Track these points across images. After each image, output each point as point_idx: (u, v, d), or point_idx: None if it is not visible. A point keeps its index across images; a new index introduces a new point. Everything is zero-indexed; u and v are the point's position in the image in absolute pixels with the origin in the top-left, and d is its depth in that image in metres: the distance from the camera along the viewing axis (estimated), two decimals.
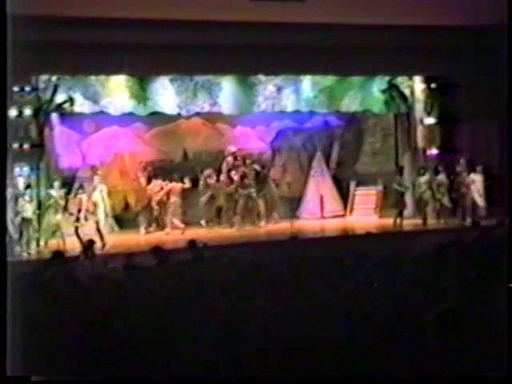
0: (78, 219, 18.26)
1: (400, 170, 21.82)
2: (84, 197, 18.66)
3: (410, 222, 20.81)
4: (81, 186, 19.29)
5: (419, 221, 20.69)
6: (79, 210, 18.32)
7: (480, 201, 20.26)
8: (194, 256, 11.97)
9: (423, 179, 20.94)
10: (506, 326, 5.28)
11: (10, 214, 17.30)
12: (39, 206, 18.24)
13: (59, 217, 18.32)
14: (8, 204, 17.23)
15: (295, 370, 5.28)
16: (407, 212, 21.57)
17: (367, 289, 6.65)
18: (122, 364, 5.37)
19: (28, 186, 18.18)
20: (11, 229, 17.37)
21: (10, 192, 17.46)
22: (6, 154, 7.63)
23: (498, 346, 5.17)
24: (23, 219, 17.71)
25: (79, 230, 18.12)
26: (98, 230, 18.50)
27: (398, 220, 20.60)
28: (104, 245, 17.78)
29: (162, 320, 5.84)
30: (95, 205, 18.75)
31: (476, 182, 20.32)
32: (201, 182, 21.28)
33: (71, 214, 18.39)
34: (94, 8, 17.28)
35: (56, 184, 18.88)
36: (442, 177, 20.77)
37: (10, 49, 8.33)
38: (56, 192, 18.59)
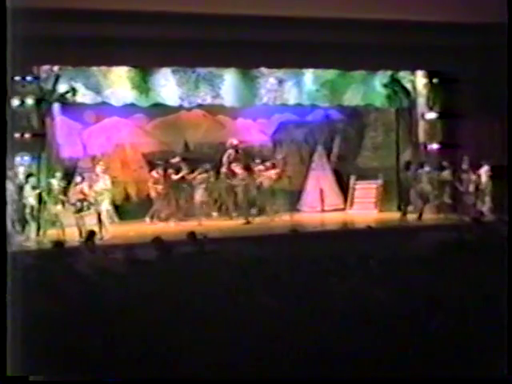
0: (78, 210, 18.25)
1: (407, 165, 21.74)
2: (85, 187, 18.65)
3: (411, 217, 20.80)
4: (82, 176, 19.29)
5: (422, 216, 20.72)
6: (80, 200, 18.32)
7: (482, 197, 20.22)
8: (193, 248, 12.00)
9: (423, 174, 20.90)
10: (506, 326, 5.28)
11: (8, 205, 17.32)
12: (40, 195, 18.20)
13: (60, 207, 18.32)
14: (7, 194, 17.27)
15: (296, 367, 5.28)
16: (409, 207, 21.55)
17: (367, 284, 6.65)
18: (123, 363, 5.37)
19: (29, 175, 18.15)
20: (9, 220, 17.40)
21: (11, 182, 17.50)
22: (5, 147, 7.61)
23: (498, 346, 5.17)
24: (26, 208, 17.70)
25: (80, 220, 18.14)
26: (100, 221, 18.53)
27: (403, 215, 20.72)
28: (102, 237, 17.70)
29: (163, 316, 5.84)
30: (101, 194, 18.76)
31: (477, 177, 20.28)
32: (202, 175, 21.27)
33: (72, 204, 18.39)
34: (98, 1, 17.32)
35: (57, 174, 18.90)
36: (446, 173, 20.73)
37: (11, 39, 8.33)
38: (57, 182, 18.59)
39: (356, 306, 5.94)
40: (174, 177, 20.84)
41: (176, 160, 21.48)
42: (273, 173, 21.63)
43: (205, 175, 21.14)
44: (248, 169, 21.42)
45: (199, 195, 20.99)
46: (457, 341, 5.21)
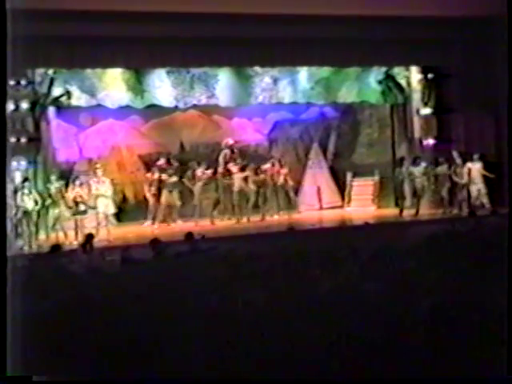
0: (76, 213, 18.27)
1: (400, 161, 21.77)
2: (82, 190, 18.67)
3: (407, 213, 20.81)
4: (78, 179, 19.31)
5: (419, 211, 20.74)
6: (77, 204, 18.33)
7: (477, 190, 20.24)
8: (191, 248, 12.03)
9: (419, 169, 20.92)
10: (506, 326, 5.27)
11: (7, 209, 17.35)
12: (37, 199, 18.19)
13: (57, 210, 18.32)
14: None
15: (293, 367, 5.28)
16: (405, 202, 21.58)
17: (364, 280, 6.65)
18: (123, 362, 5.37)
19: (25, 180, 18.16)
20: (9, 223, 17.43)
21: (8, 187, 17.51)
22: (5, 151, 7.63)
23: (498, 346, 5.16)
24: (24, 213, 17.71)
25: (78, 224, 18.16)
26: (98, 224, 18.61)
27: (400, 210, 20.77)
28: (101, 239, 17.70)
29: (164, 315, 5.84)
30: (99, 197, 18.81)
31: (473, 172, 20.30)
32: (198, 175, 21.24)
33: (69, 208, 18.40)
34: (90, 1, 17.32)
35: (53, 178, 18.91)
36: (442, 168, 20.75)
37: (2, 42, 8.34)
38: (54, 185, 18.59)
39: (352, 300, 5.94)
40: (166, 178, 20.81)
41: (161, 162, 21.45)
42: (284, 172, 21.76)
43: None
44: (243, 169, 21.40)
45: (196, 196, 20.97)
46: (456, 340, 5.20)
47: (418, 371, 5.10)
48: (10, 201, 17.48)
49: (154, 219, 20.68)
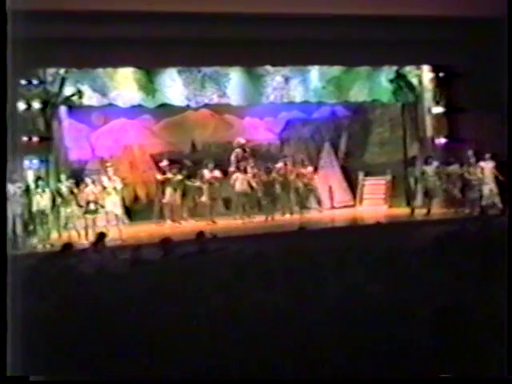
0: (87, 211, 18.30)
1: (412, 160, 21.68)
2: (94, 189, 18.71)
3: (419, 212, 20.74)
4: (90, 178, 19.36)
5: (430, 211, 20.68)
6: (88, 202, 18.37)
7: (489, 190, 20.16)
8: (202, 247, 12.02)
9: (431, 168, 20.83)
10: (506, 326, 5.26)
11: (18, 208, 17.42)
12: (49, 198, 18.23)
13: (69, 209, 18.35)
14: (17, 198, 17.37)
15: (301, 367, 5.27)
16: (416, 202, 21.51)
17: (375, 280, 6.63)
18: (131, 362, 5.38)
19: (38, 178, 18.20)
20: (19, 223, 17.51)
21: (19, 185, 17.58)
22: (5, 152, 7.63)
23: (498, 346, 5.15)
24: (36, 211, 17.75)
25: (89, 223, 18.21)
26: (108, 222, 18.64)
27: (411, 209, 20.69)
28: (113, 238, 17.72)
29: (166, 316, 5.84)
30: (114, 196, 18.87)
31: (485, 171, 20.22)
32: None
33: (81, 207, 18.43)
34: (103, 2, 17.37)
35: (65, 176, 18.94)
36: (454, 167, 20.67)
37: (13, 42, 8.37)
38: (65, 184, 18.63)
39: (363, 301, 5.93)
40: (171, 177, 20.88)
41: (164, 164, 21.51)
42: (309, 171, 21.90)
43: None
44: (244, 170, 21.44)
45: (205, 195, 21.01)
46: (456, 340, 5.19)
47: (419, 371, 5.11)
48: (22, 199, 17.57)
49: (172, 219, 20.79)
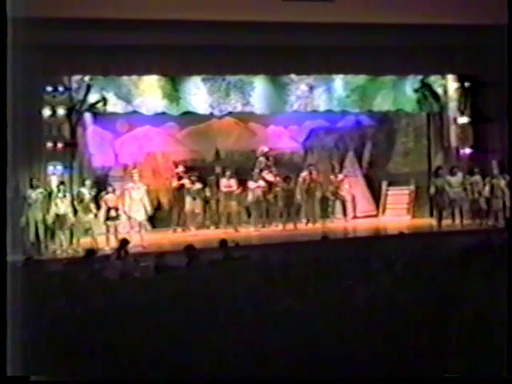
0: (109, 218, 18.35)
1: (437, 170, 21.49)
2: (115, 195, 18.78)
3: (443, 223, 20.59)
4: (113, 185, 19.47)
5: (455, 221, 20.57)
6: (109, 209, 18.43)
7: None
8: (224, 256, 12.04)
9: (456, 179, 20.71)
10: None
11: (39, 214, 17.54)
12: (72, 204, 18.31)
13: (91, 215, 18.41)
14: (39, 203, 17.48)
15: (326, 373, 5.27)
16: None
17: (398, 290, 6.62)
18: (154, 368, 5.38)
19: (61, 184, 18.26)
20: (41, 228, 17.62)
21: (41, 191, 17.69)
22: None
23: (498, 346, 5.13)
24: (58, 217, 17.82)
25: (111, 229, 18.26)
26: (132, 229, 18.71)
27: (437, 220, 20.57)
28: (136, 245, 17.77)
29: (197, 322, 5.84)
30: (138, 202, 18.95)
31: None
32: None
33: (103, 213, 18.49)
34: (128, 11, 17.47)
35: (88, 183, 19.01)
36: (476, 178, 20.54)
37: (43, 50, 8.45)
38: (88, 191, 18.69)
39: (386, 310, 5.92)
40: (190, 187, 20.95)
41: (180, 170, 21.57)
42: (339, 179, 22.20)
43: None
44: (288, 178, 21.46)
45: (223, 204, 21.06)
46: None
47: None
48: (44, 205, 17.67)
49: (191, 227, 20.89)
